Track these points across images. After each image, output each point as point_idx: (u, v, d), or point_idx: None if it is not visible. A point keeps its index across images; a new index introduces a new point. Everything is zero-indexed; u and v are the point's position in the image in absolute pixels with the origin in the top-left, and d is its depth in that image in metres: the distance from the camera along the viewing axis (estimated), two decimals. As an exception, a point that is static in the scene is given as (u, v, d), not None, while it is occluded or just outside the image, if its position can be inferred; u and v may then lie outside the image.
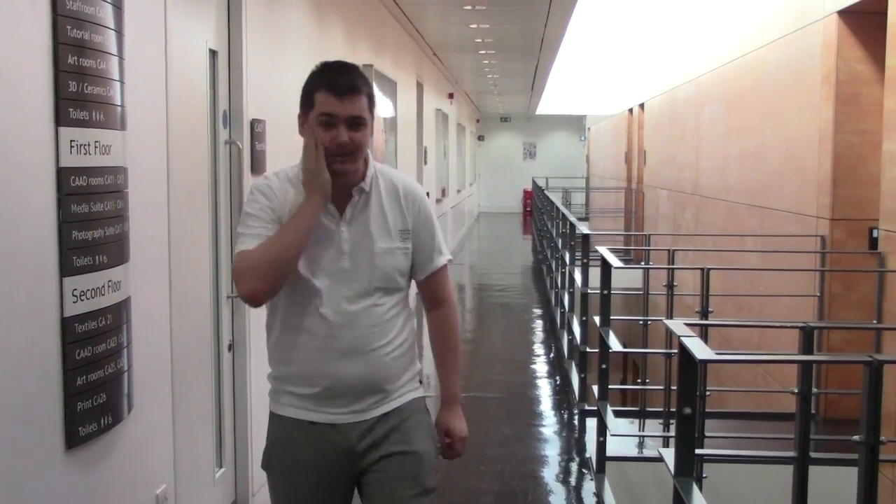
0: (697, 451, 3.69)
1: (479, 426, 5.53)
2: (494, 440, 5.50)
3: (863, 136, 6.04)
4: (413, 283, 2.42)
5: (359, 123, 2.23)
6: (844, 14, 6.06)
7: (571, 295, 7.80)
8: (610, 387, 4.97)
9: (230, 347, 4.02)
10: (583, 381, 6.06)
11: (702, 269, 5.35)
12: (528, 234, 22.39)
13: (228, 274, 3.92)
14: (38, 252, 2.32)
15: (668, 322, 3.07)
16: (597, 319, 5.17)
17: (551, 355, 8.15)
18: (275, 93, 4.56)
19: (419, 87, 11.78)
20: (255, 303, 2.21)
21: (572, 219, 8.25)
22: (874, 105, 5.86)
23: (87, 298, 2.47)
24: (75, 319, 2.42)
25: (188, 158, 3.47)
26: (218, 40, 3.90)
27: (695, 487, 2.57)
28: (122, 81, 2.66)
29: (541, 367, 7.80)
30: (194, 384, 3.53)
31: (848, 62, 6.07)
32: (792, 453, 3.12)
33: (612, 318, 5.08)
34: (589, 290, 6.40)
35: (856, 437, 2.61)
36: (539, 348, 8.66)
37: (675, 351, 2.82)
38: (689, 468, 2.63)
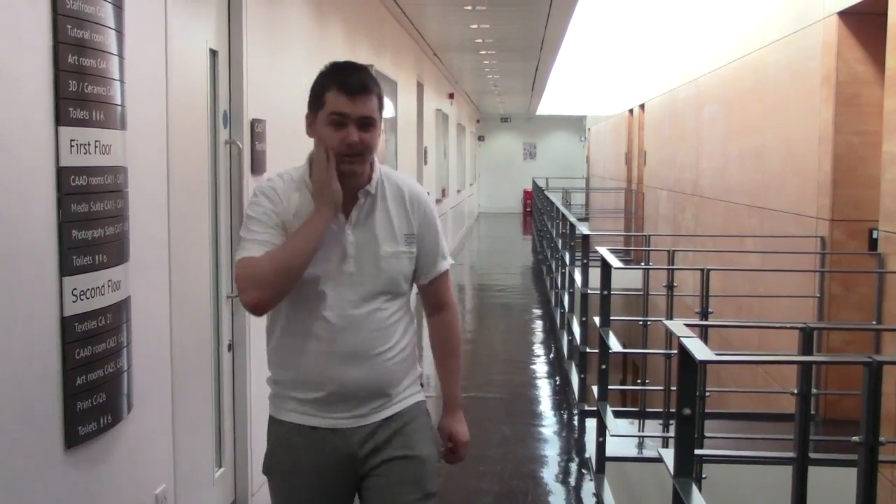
0: (697, 452, 3.69)
1: (479, 426, 5.53)
2: (494, 440, 5.50)
3: (863, 136, 6.04)
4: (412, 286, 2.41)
5: (369, 124, 2.21)
6: (844, 15, 6.06)
7: (571, 295, 7.80)
8: (610, 387, 4.97)
9: (230, 347, 4.03)
10: (582, 382, 6.06)
11: (702, 270, 5.35)
12: (528, 234, 22.39)
13: (228, 274, 3.92)
14: (38, 251, 2.31)
15: (667, 323, 3.07)
16: (597, 320, 5.17)
17: (551, 356, 8.15)
18: (275, 93, 4.56)
19: (419, 87, 11.78)
20: (258, 313, 2.19)
21: (572, 219, 8.26)
22: (874, 106, 5.86)
23: (87, 298, 2.47)
24: (75, 319, 2.42)
25: (188, 158, 3.47)
26: (218, 40, 3.90)
27: (694, 488, 2.57)
28: (122, 81, 2.66)
29: (541, 367, 7.80)
30: (194, 384, 3.53)
31: (848, 63, 6.07)
32: (791, 454, 3.13)
33: (611, 318, 5.08)
34: (589, 291, 6.40)
35: (855, 438, 2.61)
36: (539, 349, 8.66)
37: (675, 351, 2.82)
38: (688, 469, 2.63)
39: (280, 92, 4.63)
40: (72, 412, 2.42)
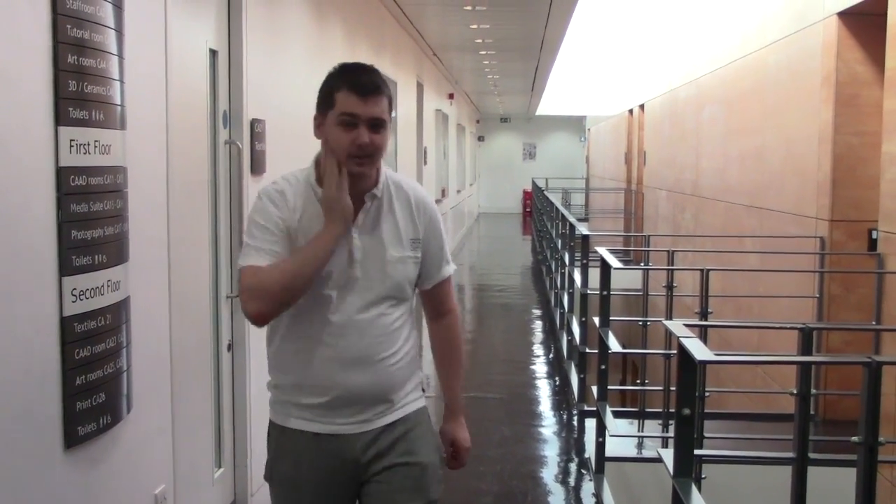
0: (696, 452, 3.69)
1: (479, 426, 5.53)
2: (494, 441, 5.50)
3: (862, 137, 6.04)
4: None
5: (380, 126, 2.18)
6: (844, 15, 6.06)
7: (571, 295, 7.80)
8: (609, 387, 4.97)
9: (229, 347, 4.02)
10: (582, 382, 6.06)
11: (701, 270, 5.35)
12: (528, 234, 22.39)
13: (228, 274, 3.93)
14: (38, 251, 2.31)
15: (667, 323, 3.07)
16: (596, 320, 5.17)
17: (551, 356, 8.15)
18: (275, 93, 4.56)
19: (419, 87, 11.78)
20: (260, 324, 2.16)
21: (572, 219, 8.26)
22: (874, 106, 5.86)
23: (87, 298, 2.47)
24: (74, 319, 2.42)
25: (188, 158, 3.47)
26: (218, 40, 3.90)
27: (694, 488, 2.57)
28: (122, 81, 2.66)
29: (540, 367, 7.80)
30: (193, 384, 3.53)
31: (848, 63, 6.07)
32: (791, 454, 3.13)
33: (611, 318, 5.08)
34: (588, 291, 6.40)
35: (854, 438, 2.61)
36: (538, 349, 8.66)
37: (675, 352, 2.82)
38: (688, 469, 2.63)
39: (280, 92, 4.63)
40: (71, 412, 2.42)
